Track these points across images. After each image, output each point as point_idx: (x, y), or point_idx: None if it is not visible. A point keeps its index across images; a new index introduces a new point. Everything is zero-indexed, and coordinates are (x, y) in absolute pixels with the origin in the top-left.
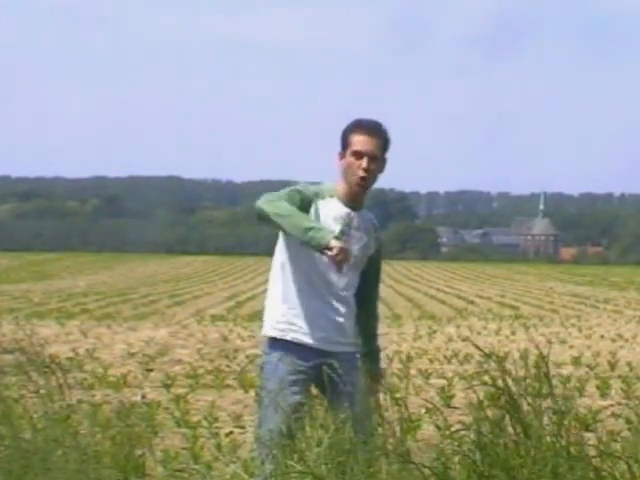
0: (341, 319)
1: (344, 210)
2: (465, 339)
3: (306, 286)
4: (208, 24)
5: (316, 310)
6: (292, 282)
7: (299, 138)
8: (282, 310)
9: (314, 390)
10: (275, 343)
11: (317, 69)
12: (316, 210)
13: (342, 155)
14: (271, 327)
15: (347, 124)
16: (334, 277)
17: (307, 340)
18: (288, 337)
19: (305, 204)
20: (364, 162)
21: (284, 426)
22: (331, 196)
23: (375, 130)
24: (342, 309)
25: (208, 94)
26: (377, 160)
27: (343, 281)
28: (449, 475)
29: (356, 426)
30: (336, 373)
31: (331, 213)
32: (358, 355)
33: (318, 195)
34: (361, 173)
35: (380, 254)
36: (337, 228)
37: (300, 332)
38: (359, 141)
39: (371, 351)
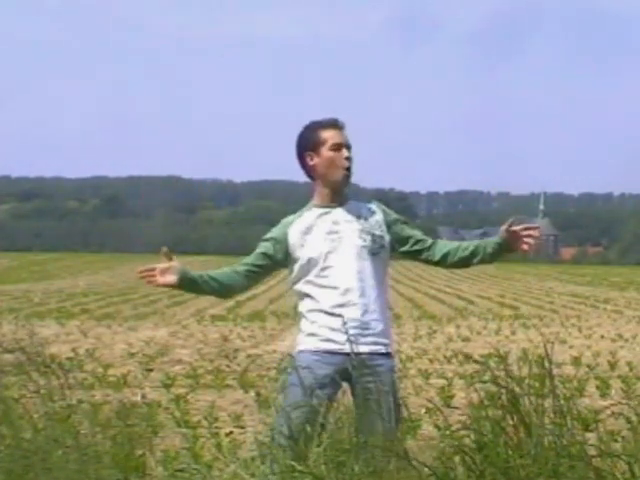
0: (361, 315)
1: (322, 212)
2: (465, 339)
3: (323, 297)
4: (208, 24)
5: (336, 315)
6: (310, 301)
7: None
8: (304, 326)
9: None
10: (298, 355)
11: (318, 68)
12: (290, 236)
13: (313, 156)
14: (298, 342)
15: (304, 127)
16: (347, 274)
17: (328, 346)
18: (310, 347)
19: (280, 245)
20: (345, 152)
21: (285, 427)
22: (309, 209)
23: (341, 125)
24: (366, 305)
25: (208, 94)
26: (350, 151)
27: (355, 274)
28: (449, 475)
29: (361, 426)
30: (354, 374)
31: (306, 223)
32: (386, 354)
33: (289, 224)
34: (346, 163)
35: (397, 228)
36: (318, 235)
37: (322, 339)
38: (334, 134)
39: (476, 246)
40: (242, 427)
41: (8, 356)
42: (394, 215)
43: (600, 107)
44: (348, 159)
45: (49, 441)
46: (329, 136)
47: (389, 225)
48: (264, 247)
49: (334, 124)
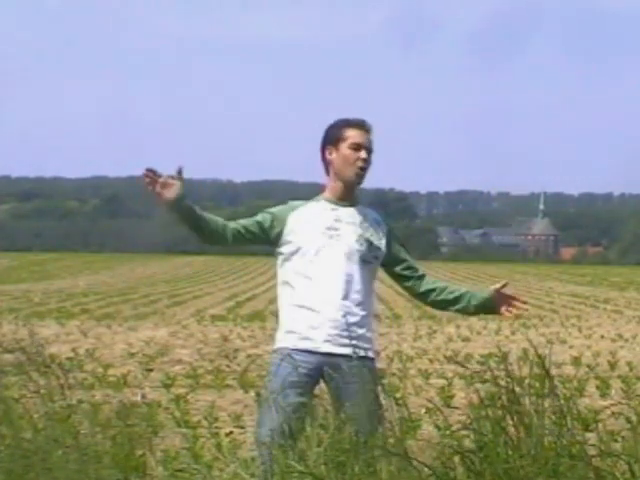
0: (342, 316)
1: (329, 207)
2: (465, 339)
3: (305, 290)
4: (208, 24)
5: (317, 312)
6: (291, 292)
7: (299, 138)
8: (283, 321)
9: (317, 391)
10: (278, 350)
11: (318, 68)
12: (289, 219)
13: (332, 150)
14: (277, 340)
15: (334, 121)
16: (334, 273)
17: (305, 344)
18: (289, 344)
19: (278, 222)
20: (363, 153)
21: (285, 426)
22: (318, 201)
23: (368, 127)
24: (348, 307)
25: (208, 94)
26: (370, 155)
27: (343, 275)
28: (449, 475)
29: (357, 427)
30: (337, 375)
31: (309, 212)
32: (368, 357)
33: (294, 207)
34: (360, 164)
35: (395, 248)
36: (317, 226)
37: (301, 337)
38: (357, 134)
39: (462, 294)
40: (242, 427)
41: (8, 356)
42: (397, 236)
43: (600, 107)
44: (364, 160)
45: (49, 441)
46: (351, 135)
47: (390, 241)
48: (262, 217)
49: (360, 125)
